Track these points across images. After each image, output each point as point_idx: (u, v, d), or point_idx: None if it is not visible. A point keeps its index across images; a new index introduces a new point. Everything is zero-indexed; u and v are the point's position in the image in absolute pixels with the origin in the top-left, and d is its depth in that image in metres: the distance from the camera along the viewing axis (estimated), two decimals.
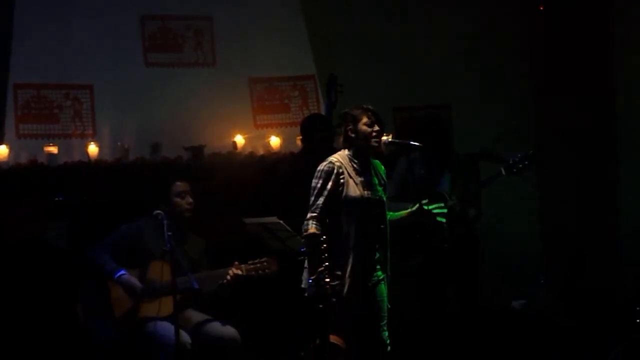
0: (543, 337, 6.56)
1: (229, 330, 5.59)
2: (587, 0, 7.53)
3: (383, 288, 5.12)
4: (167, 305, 5.39)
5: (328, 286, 4.80)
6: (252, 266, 5.59)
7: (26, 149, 6.73)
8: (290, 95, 7.39)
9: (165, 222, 5.25)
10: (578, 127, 7.49)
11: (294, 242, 5.58)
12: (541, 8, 7.68)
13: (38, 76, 6.86)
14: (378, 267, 5.09)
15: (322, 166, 5.02)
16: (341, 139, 5.20)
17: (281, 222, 5.63)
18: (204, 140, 6.96)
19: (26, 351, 6.21)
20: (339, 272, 4.92)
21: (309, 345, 4.97)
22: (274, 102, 7.35)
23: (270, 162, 6.92)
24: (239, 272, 5.56)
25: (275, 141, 7.13)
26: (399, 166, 6.05)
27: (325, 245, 4.82)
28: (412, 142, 5.44)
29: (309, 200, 5.00)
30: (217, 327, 5.61)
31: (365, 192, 5.04)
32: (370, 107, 5.12)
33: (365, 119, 5.07)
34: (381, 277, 5.11)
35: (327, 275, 4.79)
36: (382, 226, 5.09)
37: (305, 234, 4.94)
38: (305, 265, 5.00)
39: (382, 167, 5.23)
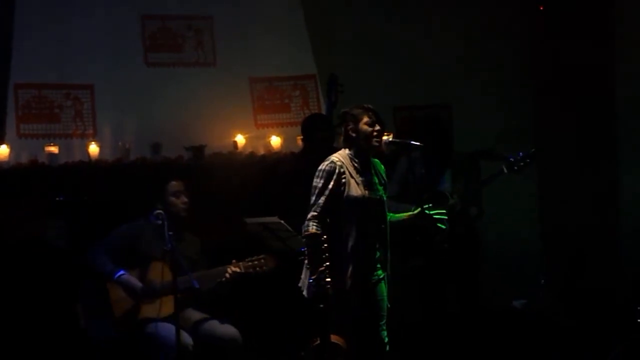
0: (543, 337, 6.56)
1: (230, 330, 5.59)
2: (587, 0, 7.52)
3: (383, 287, 5.13)
4: (167, 305, 5.40)
5: (329, 286, 4.80)
6: (249, 263, 5.61)
7: (27, 148, 6.74)
8: (290, 95, 7.39)
9: (165, 222, 5.26)
10: (578, 127, 7.47)
11: (295, 241, 5.58)
12: (541, 8, 7.67)
13: (39, 76, 6.88)
14: (378, 265, 5.10)
15: (324, 166, 5.02)
16: (341, 138, 5.21)
17: (282, 221, 5.64)
18: (204, 140, 6.97)
19: (26, 351, 6.21)
20: (340, 272, 4.93)
21: (309, 345, 4.98)
22: (275, 101, 7.36)
23: (270, 162, 6.93)
24: (237, 269, 5.57)
25: (275, 141, 7.14)
26: (399, 166, 6.06)
27: (325, 245, 4.83)
28: (412, 142, 5.45)
29: (309, 200, 5.01)
30: (218, 327, 5.62)
31: (366, 191, 5.04)
32: (370, 106, 5.12)
33: (366, 119, 5.07)
34: (381, 276, 5.12)
35: (327, 275, 4.79)
36: (382, 226, 5.09)
37: (305, 234, 4.95)
38: (306, 265, 5.01)
39: (382, 166, 5.24)
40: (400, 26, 7.73)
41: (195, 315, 5.70)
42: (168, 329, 5.33)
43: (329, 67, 6.95)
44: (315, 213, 4.95)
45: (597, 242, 7.42)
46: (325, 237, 4.87)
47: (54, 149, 6.67)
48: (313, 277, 4.84)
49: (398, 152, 6.09)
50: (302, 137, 6.51)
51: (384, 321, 5.13)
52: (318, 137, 6.11)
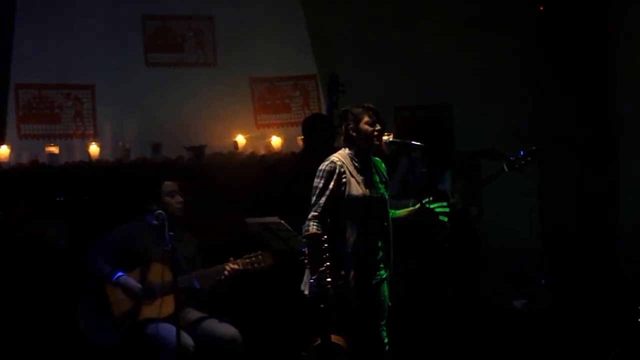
0: (543, 337, 6.56)
1: (230, 330, 5.60)
2: (587, 0, 7.52)
3: (385, 287, 5.13)
4: (167, 305, 5.40)
5: (329, 286, 4.80)
6: (247, 260, 5.62)
7: (27, 149, 6.73)
8: (291, 95, 7.39)
9: (166, 222, 5.26)
10: (578, 127, 7.47)
11: (295, 241, 5.58)
12: (541, 8, 7.67)
13: (39, 76, 6.87)
14: (381, 265, 5.10)
15: (324, 166, 5.02)
16: (342, 137, 5.21)
17: (282, 222, 5.64)
18: (205, 140, 6.97)
19: (26, 351, 6.21)
20: (343, 272, 4.93)
21: (309, 345, 4.98)
22: (275, 102, 7.36)
23: (271, 162, 6.93)
24: (236, 266, 5.58)
25: (276, 141, 7.14)
26: (400, 166, 6.06)
27: (326, 245, 4.83)
28: (413, 142, 5.45)
29: (310, 200, 5.01)
30: (218, 327, 5.62)
31: (367, 190, 5.04)
32: (371, 105, 5.12)
33: (366, 118, 5.07)
34: (384, 276, 5.11)
35: (328, 275, 4.79)
36: (385, 224, 5.09)
37: (306, 234, 4.94)
38: (307, 265, 5.01)
39: (383, 164, 5.23)
40: (400, 26, 7.74)
41: (195, 315, 5.70)
42: (169, 329, 5.33)
43: (329, 67, 6.95)
44: (316, 213, 4.95)
45: (597, 242, 7.43)
46: (325, 237, 4.87)
47: (54, 149, 6.67)
48: (314, 277, 4.84)
49: (399, 152, 6.09)
50: (302, 137, 6.51)
51: (384, 321, 5.13)
52: (319, 137, 6.11)
